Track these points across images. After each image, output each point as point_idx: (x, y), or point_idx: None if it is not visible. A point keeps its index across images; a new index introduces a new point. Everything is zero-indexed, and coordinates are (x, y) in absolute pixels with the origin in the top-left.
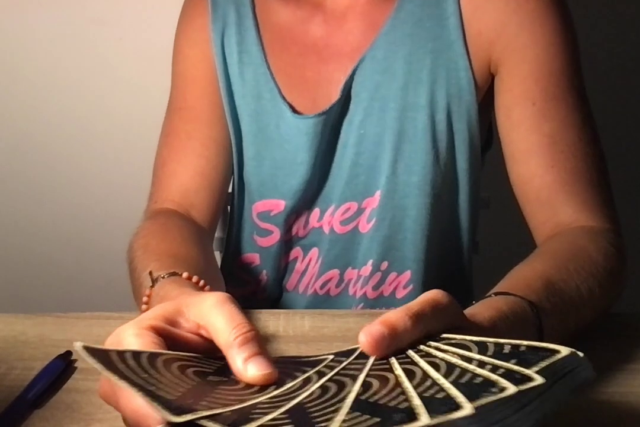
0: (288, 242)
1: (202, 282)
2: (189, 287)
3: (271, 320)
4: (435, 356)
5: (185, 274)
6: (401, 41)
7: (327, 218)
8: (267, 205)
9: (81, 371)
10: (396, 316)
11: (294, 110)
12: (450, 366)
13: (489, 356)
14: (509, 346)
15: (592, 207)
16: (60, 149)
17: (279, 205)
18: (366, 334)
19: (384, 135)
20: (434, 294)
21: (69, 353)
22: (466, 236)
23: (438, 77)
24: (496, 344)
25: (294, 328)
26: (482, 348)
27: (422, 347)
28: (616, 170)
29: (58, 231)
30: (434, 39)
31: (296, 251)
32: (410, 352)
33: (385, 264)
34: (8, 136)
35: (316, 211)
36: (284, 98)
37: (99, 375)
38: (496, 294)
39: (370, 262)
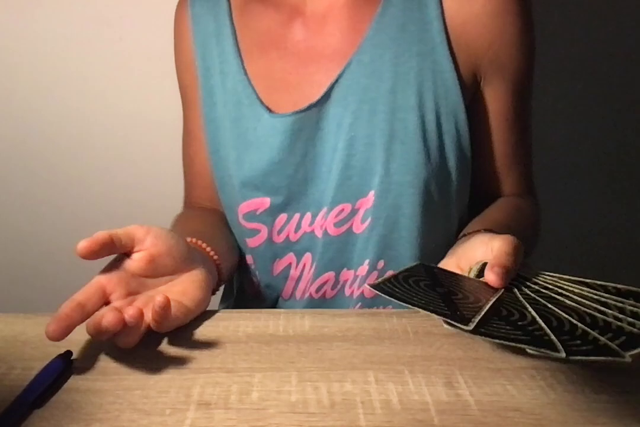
0: (279, 246)
1: (215, 257)
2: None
3: (271, 320)
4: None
5: (204, 245)
6: (387, 45)
7: (319, 222)
8: (251, 205)
9: (81, 371)
10: (500, 259)
11: (272, 112)
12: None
13: (608, 297)
14: (611, 286)
15: (529, 190)
16: (59, 149)
17: (264, 202)
18: (494, 273)
19: (375, 136)
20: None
21: (69, 353)
22: (459, 231)
23: (425, 79)
24: (592, 285)
25: (294, 328)
26: (588, 287)
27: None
28: (617, 170)
29: (58, 230)
30: (419, 42)
31: (289, 257)
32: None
33: (381, 263)
34: (7, 136)
35: (308, 215)
36: (261, 102)
37: (99, 375)
38: (467, 234)
39: (366, 261)
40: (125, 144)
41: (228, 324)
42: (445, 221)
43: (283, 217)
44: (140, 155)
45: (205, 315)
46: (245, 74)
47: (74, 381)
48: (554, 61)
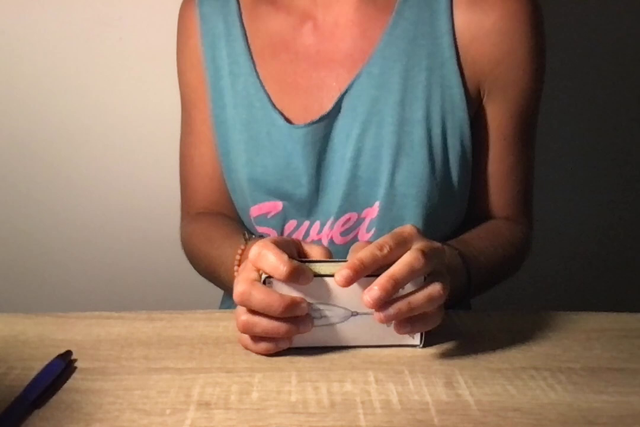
0: None
1: None
2: None
3: None
4: None
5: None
6: (397, 57)
7: (326, 231)
8: (263, 209)
9: (81, 371)
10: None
11: (285, 118)
12: None
13: None
14: None
15: (522, 213)
16: (59, 149)
17: (277, 206)
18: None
19: (382, 148)
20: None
21: (69, 353)
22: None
23: (433, 94)
24: None
25: None
26: None
27: None
28: (617, 170)
29: (58, 230)
30: (428, 56)
31: None
32: None
33: None
34: (8, 136)
35: (317, 224)
36: (274, 106)
37: (99, 375)
38: None
39: None
40: (125, 144)
41: (228, 324)
42: (446, 234)
43: (292, 223)
44: (140, 155)
45: (205, 315)
46: (257, 76)
47: (74, 381)
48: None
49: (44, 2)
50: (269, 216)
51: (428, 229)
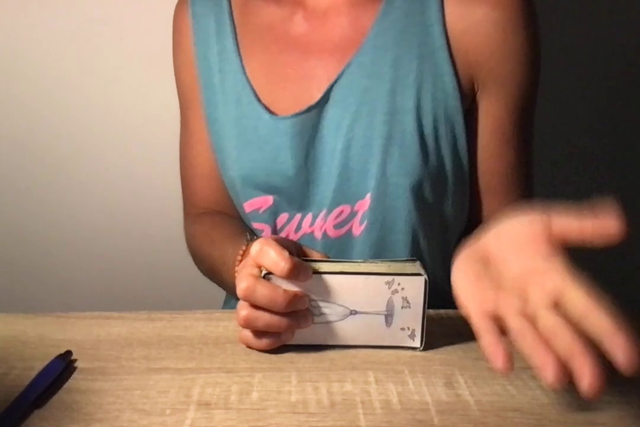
0: None
1: None
2: None
3: None
4: None
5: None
6: (388, 47)
7: (318, 223)
8: (255, 204)
9: (81, 371)
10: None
11: (272, 112)
12: None
13: None
14: None
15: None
16: (59, 149)
17: (267, 200)
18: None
19: (373, 138)
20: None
21: (69, 353)
22: (455, 236)
23: (424, 82)
24: None
25: None
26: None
27: None
28: (618, 170)
29: (58, 230)
30: (420, 45)
31: None
32: None
33: None
34: (8, 136)
35: (309, 216)
36: (259, 101)
37: (99, 375)
38: None
39: None
40: (125, 144)
41: (228, 324)
42: (441, 224)
43: (284, 216)
44: (140, 155)
45: (205, 315)
46: (244, 72)
47: (74, 381)
48: (552, 60)
49: (44, 2)
50: (260, 211)
51: (422, 221)
